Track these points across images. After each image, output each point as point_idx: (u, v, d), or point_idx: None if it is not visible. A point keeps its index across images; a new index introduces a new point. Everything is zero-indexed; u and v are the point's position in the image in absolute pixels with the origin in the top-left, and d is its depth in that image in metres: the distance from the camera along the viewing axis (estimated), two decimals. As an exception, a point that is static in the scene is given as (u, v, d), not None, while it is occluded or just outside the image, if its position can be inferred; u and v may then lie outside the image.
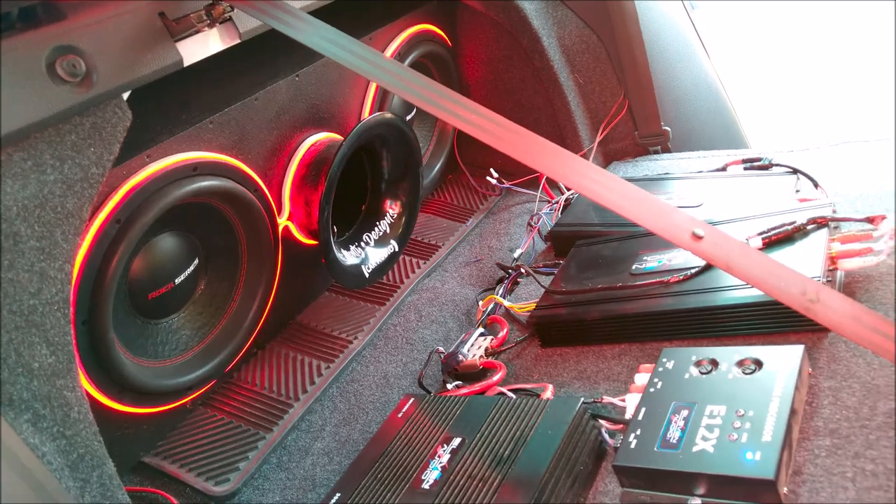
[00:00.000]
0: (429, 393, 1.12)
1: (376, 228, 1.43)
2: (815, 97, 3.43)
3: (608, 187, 0.73)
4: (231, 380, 1.27)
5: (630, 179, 1.46)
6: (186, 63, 0.87)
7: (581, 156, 1.60)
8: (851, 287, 0.89)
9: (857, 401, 0.74)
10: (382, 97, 1.45)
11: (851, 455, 0.68)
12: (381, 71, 0.86)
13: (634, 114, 1.62)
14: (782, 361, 0.78)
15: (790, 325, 0.86)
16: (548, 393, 0.90)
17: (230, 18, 0.90)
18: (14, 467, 0.62)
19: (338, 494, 0.86)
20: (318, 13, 1.03)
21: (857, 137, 1.40)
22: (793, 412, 0.72)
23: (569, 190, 1.46)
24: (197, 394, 1.19)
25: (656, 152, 1.62)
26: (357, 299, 1.47)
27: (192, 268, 1.16)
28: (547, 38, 1.58)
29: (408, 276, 1.51)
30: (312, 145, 1.28)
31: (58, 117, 0.72)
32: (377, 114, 1.27)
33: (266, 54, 1.06)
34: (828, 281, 0.86)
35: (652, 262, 1.04)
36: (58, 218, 0.72)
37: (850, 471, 0.67)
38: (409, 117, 1.61)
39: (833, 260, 0.89)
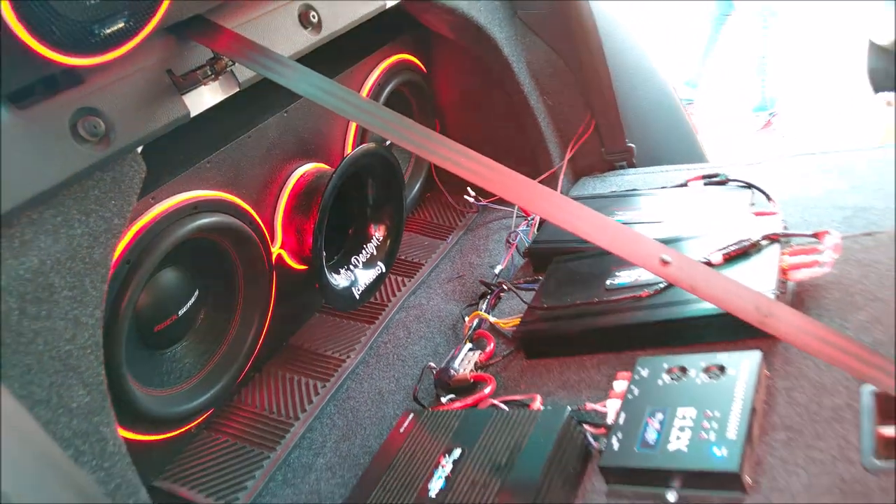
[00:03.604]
0: (424, 407, 1.19)
1: (363, 251, 1.51)
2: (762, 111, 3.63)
3: (581, 218, 0.82)
4: (232, 403, 1.33)
5: (599, 195, 1.58)
6: (193, 114, 0.94)
7: (551, 173, 1.71)
8: (801, 295, 1.00)
9: (807, 398, 0.84)
10: (365, 129, 1.53)
11: (803, 446, 0.78)
12: (360, 111, 0.94)
13: (601, 132, 1.72)
14: (742, 366, 0.88)
15: (749, 333, 0.96)
16: (537, 403, 0.99)
17: (231, 71, 0.97)
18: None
19: (349, 507, 0.94)
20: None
21: (804, 150, 1.52)
22: (753, 411, 0.82)
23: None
24: (202, 418, 1.25)
25: (622, 167, 1.73)
26: (347, 319, 1.54)
27: (193, 299, 1.22)
28: (517, 64, 1.67)
29: (394, 295, 1.58)
30: (302, 176, 1.35)
31: (81, 174, 0.79)
32: (363, 146, 1.35)
33: (257, 92, 1.13)
34: (780, 293, 0.96)
35: (624, 277, 1.14)
36: (86, 268, 0.79)
37: (802, 459, 0.77)
38: (387, 142, 1.69)
39: (785, 272, 1.00)
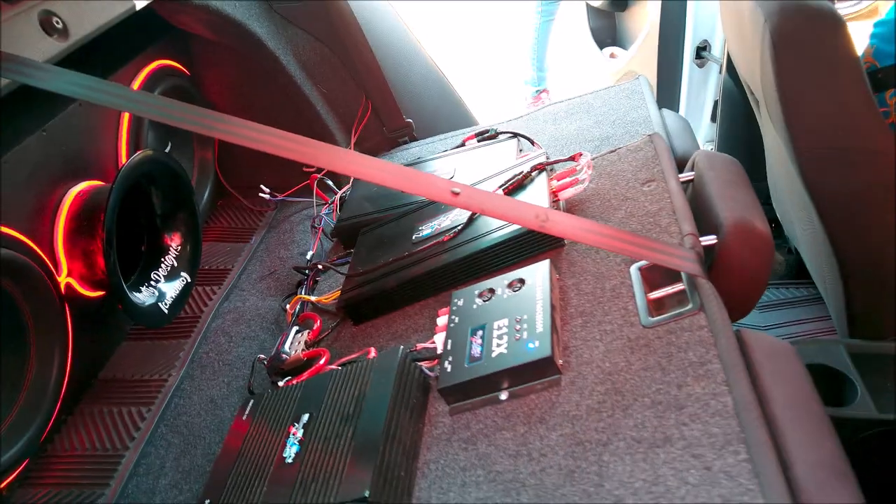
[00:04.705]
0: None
1: (163, 264, 1.44)
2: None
3: (384, 170, 0.89)
4: (47, 453, 1.21)
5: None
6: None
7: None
8: (572, 210, 1.17)
9: (591, 287, 1.00)
10: (136, 136, 1.46)
11: (596, 323, 0.93)
12: (133, 102, 0.93)
13: (379, 113, 1.81)
14: (537, 275, 1.01)
15: (538, 249, 1.10)
16: (371, 354, 1.04)
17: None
18: None
19: (207, 501, 0.92)
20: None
21: (551, 101, 1.75)
22: (553, 307, 0.95)
23: (340, 189, 1.61)
24: (12, 477, 1.12)
25: (405, 143, 1.84)
26: (160, 339, 1.46)
27: (-26, 348, 1.09)
28: (284, 56, 1.70)
29: (206, 304, 1.54)
30: (77, 195, 1.26)
31: None
32: (140, 153, 1.29)
33: (7, 113, 1.03)
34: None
35: (426, 229, 1.24)
36: None
37: (597, 334, 0.91)
38: (167, 148, 1.62)
39: (555, 194, 1.16)
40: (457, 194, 0.89)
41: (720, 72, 1.87)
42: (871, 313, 1.33)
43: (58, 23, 1.04)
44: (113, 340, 1.44)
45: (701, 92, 2.05)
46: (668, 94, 2.11)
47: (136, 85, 1.47)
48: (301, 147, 0.91)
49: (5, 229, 1.10)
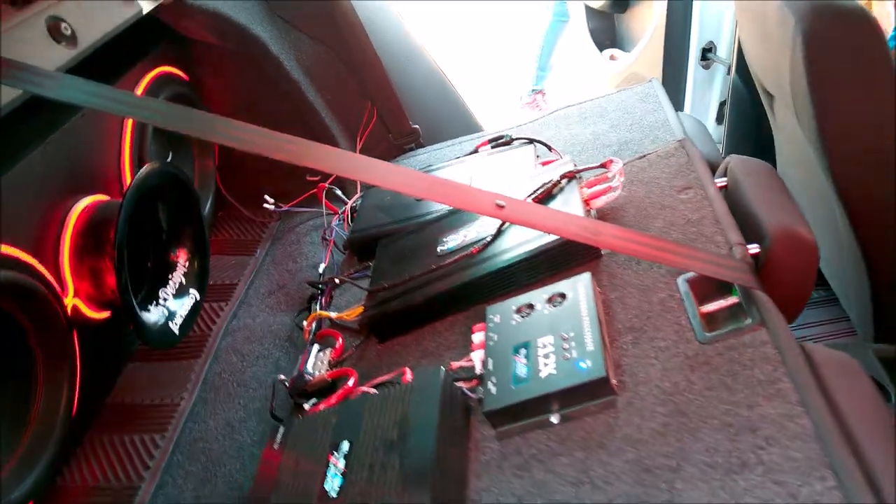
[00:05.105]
0: (281, 422, 1.13)
1: (171, 281, 1.37)
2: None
3: (422, 182, 0.84)
4: (56, 488, 1.14)
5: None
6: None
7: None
8: (605, 219, 1.13)
9: (637, 301, 0.96)
10: (140, 148, 1.39)
11: (648, 340, 0.89)
12: (139, 108, 0.88)
13: (384, 119, 1.76)
14: (578, 288, 0.97)
15: (574, 262, 1.06)
16: (407, 376, 0.99)
17: (-22, 95, 0.82)
18: None
19: (244, 539, 0.86)
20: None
21: (563, 104, 1.71)
22: (600, 323, 0.91)
23: (349, 198, 1.55)
24: (24, 514, 1.05)
25: (412, 149, 1.79)
26: (168, 360, 1.39)
27: (-23, 379, 1.02)
28: (288, 61, 1.64)
29: (214, 322, 1.47)
30: (83, 211, 1.19)
31: None
32: (149, 166, 1.23)
33: (8, 127, 0.96)
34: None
35: (451, 241, 1.19)
36: None
37: (651, 351, 0.88)
38: (168, 159, 1.56)
39: (587, 202, 1.12)
40: (502, 207, 0.84)
41: (728, 73, 1.86)
42: (900, 317, 1.32)
43: (66, 29, 0.97)
44: (118, 363, 1.37)
45: (706, 93, 2.04)
46: (673, 95, 2.09)
47: (139, 92, 1.40)
48: (335, 161, 0.86)
49: (7, 249, 1.03)
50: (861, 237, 1.23)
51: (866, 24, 1.10)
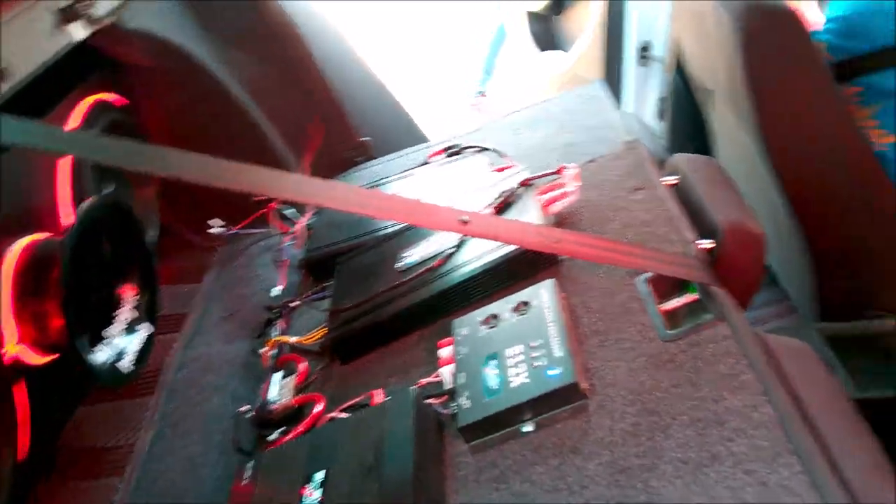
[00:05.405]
0: (250, 455, 1.09)
1: (118, 318, 1.32)
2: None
3: (382, 202, 0.83)
4: (8, 547, 1.08)
5: (359, 191, 1.59)
6: None
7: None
8: (563, 224, 1.14)
9: (600, 304, 0.97)
10: (79, 179, 1.33)
11: (613, 342, 0.91)
12: (77, 145, 0.83)
13: (331, 133, 1.74)
14: (542, 295, 0.98)
15: (535, 269, 1.07)
16: (378, 397, 0.98)
17: None
18: None
19: (221, 582, 0.83)
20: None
21: (509, 110, 1.72)
22: (566, 329, 0.92)
23: (303, 217, 1.52)
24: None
25: (362, 162, 1.77)
26: (120, 399, 1.34)
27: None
28: (228, 79, 1.60)
29: (168, 355, 1.42)
30: (21, 253, 1.13)
31: None
32: (92, 199, 1.18)
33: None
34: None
35: (412, 256, 1.18)
36: None
37: (616, 353, 0.89)
38: (105, 191, 1.50)
39: (545, 208, 1.13)
40: (466, 223, 0.84)
41: (665, 71, 1.91)
42: (842, 296, 1.38)
43: (-3, 64, 0.93)
44: (66, 408, 1.30)
45: (645, 91, 2.09)
46: (614, 94, 2.13)
47: (76, 122, 1.34)
48: (284, 185, 0.84)
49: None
50: (802, 222, 1.28)
51: (792, 20, 1.15)
